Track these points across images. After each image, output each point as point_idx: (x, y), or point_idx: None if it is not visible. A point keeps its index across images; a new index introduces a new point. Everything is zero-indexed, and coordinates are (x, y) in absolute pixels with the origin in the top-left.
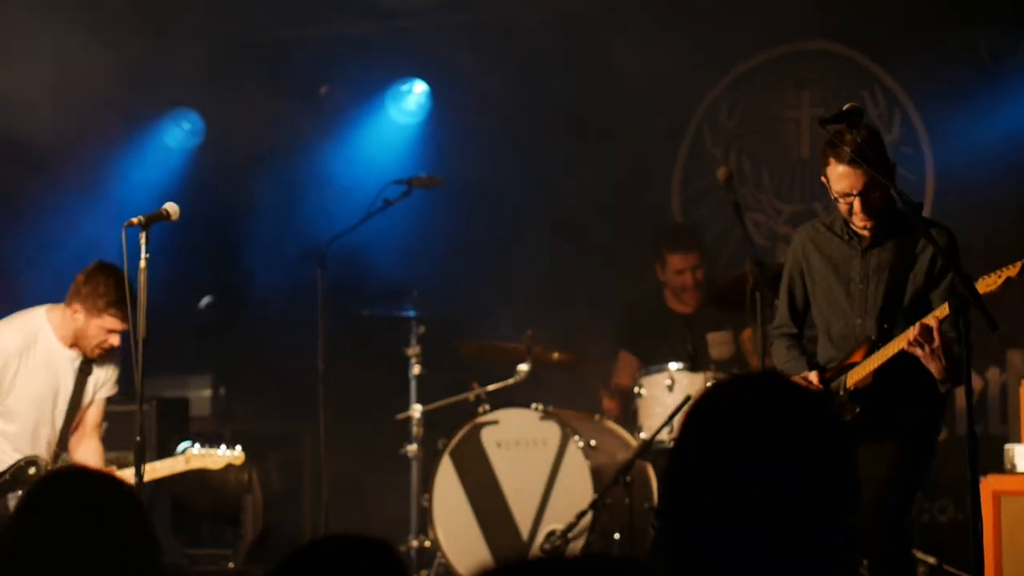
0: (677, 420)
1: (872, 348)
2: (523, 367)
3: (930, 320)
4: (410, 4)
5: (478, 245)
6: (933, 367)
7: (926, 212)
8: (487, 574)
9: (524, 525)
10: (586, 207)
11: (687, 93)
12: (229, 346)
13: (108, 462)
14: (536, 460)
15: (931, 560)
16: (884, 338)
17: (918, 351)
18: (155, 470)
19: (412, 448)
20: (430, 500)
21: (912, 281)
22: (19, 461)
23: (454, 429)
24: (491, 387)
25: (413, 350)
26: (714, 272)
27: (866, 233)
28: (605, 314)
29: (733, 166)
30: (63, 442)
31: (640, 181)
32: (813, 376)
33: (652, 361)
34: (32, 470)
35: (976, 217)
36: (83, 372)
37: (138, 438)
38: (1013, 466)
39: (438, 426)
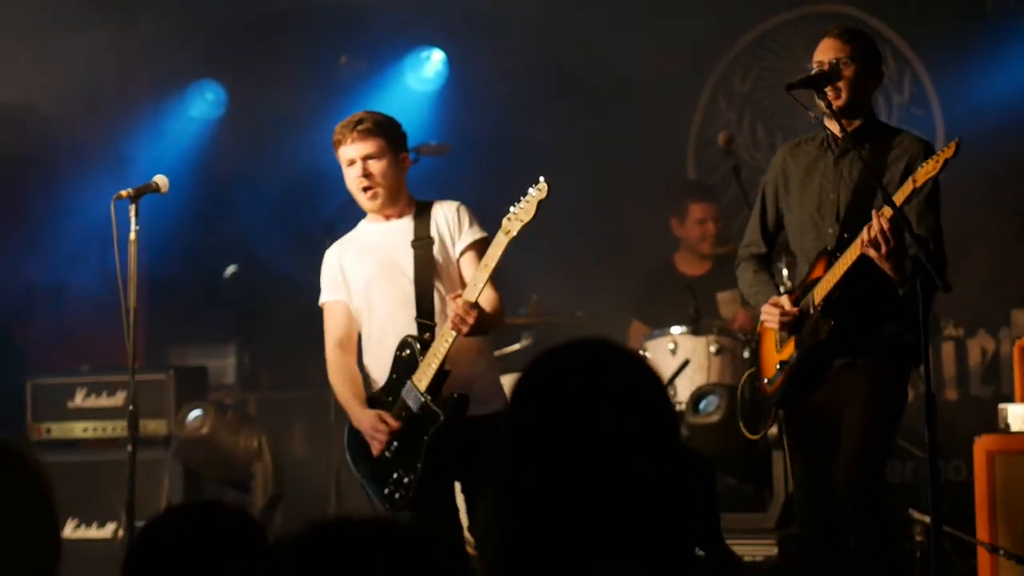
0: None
1: (831, 259)
2: (528, 333)
3: (881, 219)
4: None
5: (487, 211)
6: (888, 267)
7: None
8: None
9: None
10: (602, 173)
11: (701, 59)
12: (254, 315)
13: None
14: None
15: (925, 519)
16: (843, 248)
17: (872, 252)
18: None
19: None
20: None
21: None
22: (396, 352)
23: None
24: (499, 352)
25: None
26: (727, 235)
27: (834, 107)
28: (615, 277)
29: (747, 131)
30: (428, 305)
31: (657, 147)
32: (784, 301)
33: (659, 325)
34: (406, 352)
35: (986, 175)
36: (421, 237)
37: (131, 407)
38: (1007, 425)
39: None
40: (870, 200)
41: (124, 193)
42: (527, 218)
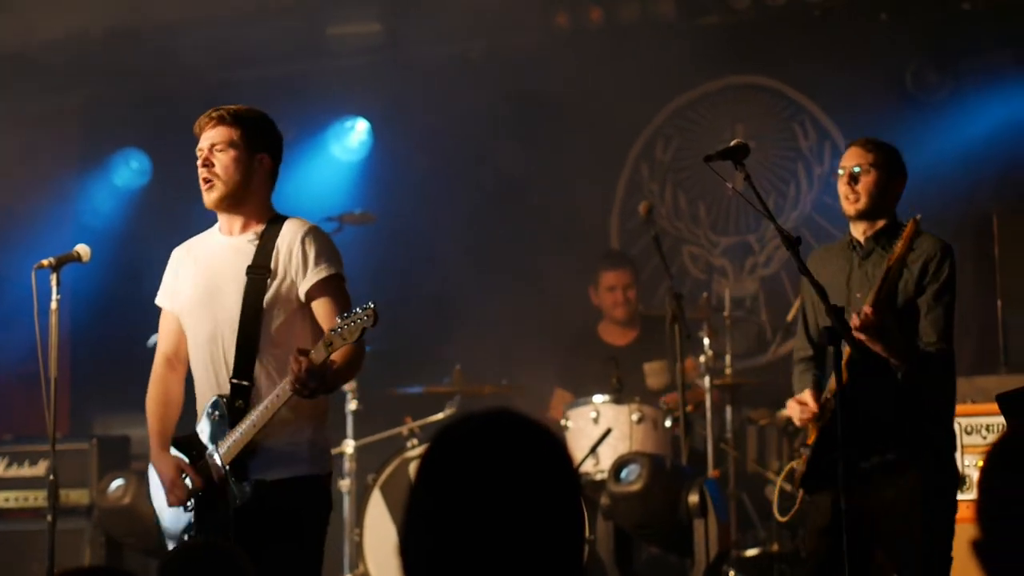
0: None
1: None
2: (452, 403)
3: (866, 308)
4: (352, 44)
5: (412, 280)
6: (879, 350)
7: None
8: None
9: None
10: (525, 242)
11: (624, 129)
12: None
13: None
14: None
15: None
16: None
17: (861, 336)
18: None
19: (344, 483)
20: (360, 534)
21: (903, 289)
22: (206, 408)
23: (384, 463)
24: (423, 421)
25: (350, 385)
26: (651, 304)
27: (850, 210)
28: (540, 346)
29: (670, 200)
30: (248, 358)
31: (579, 217)
32: (807, 396)
33: (580, 395)
34: (216, 415)
35: None
36: (259, 266)
37: (51, 477)
38: None
39: (372, 461)
40: (893, 297)
41: (45, 262)
42: (351, 339)
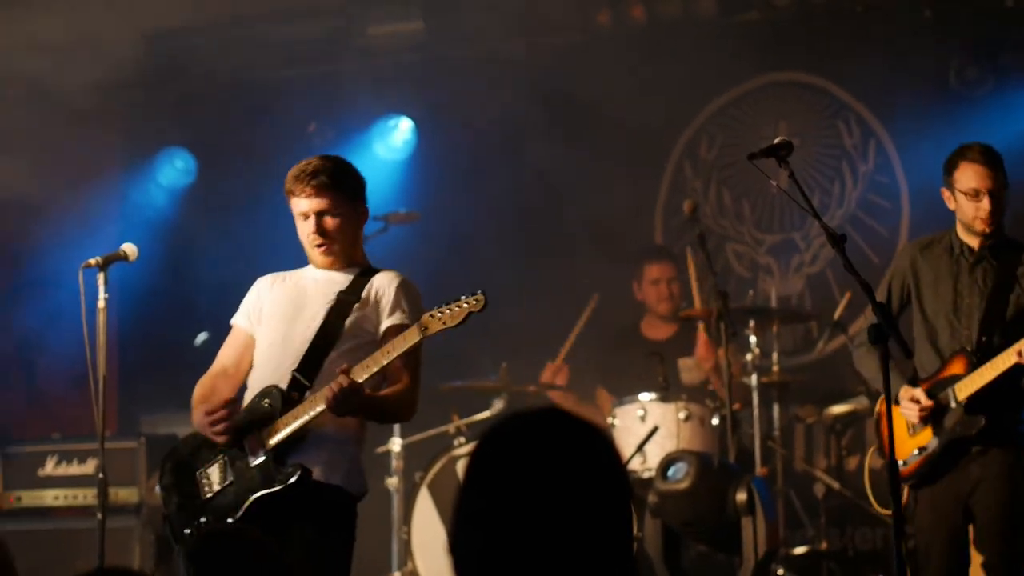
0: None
1: (970, 359)
2: (498, 401)
3: None
4: (395, 43)
5: (457, 279)
6: None
7: (901, 239)
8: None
9: None
10: (568, 242)
11: (667, 127)
12: None
13: None
14: None
15: None
16: (983, 351)
17: None
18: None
19: (392, 481)
20: (408, 532)
21: (1015, 301)
22: (256, 396)
23: (431, 462)
24: (470, 419)
25: None
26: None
27: (987, 230)
28: (581, 345)
29: (713, 198)
30: (314, 364)
31: (623, 216)
32: (921, 395)
33: (626, 393)
34: (266, 402)
35: None
36: (350, 294)
37: (100, 475)
38: None
39: (419, 459)
40: (1004, 308)
41: (92, 261)
42: (451, 324)
